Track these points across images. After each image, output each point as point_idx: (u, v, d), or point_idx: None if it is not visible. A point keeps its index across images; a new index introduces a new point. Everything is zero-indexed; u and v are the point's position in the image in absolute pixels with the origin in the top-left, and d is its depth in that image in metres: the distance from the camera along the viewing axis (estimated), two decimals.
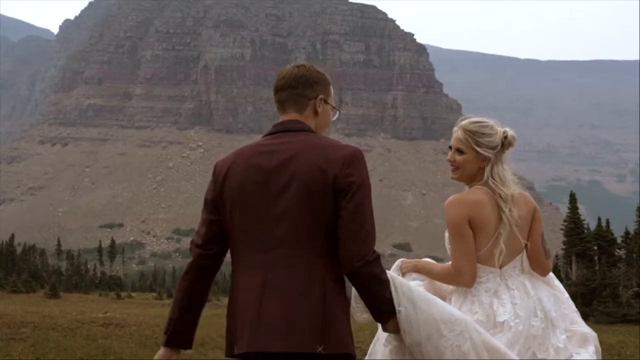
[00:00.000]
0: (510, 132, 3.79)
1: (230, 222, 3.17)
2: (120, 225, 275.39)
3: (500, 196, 3.65)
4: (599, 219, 43.29)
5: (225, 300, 22.52)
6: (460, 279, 3.59)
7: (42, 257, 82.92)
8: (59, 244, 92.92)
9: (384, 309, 3.16)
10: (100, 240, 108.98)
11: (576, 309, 3.80)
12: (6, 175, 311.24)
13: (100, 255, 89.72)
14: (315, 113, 3.27)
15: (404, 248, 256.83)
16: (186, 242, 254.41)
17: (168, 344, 3.26)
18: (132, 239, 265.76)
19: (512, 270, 3.67)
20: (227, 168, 3.20)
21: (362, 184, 3.06)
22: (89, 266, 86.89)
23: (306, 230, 3.06)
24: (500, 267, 3.66)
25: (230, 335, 3.16)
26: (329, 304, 3.04)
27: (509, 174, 3.73)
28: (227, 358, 3.19)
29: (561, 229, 45.37)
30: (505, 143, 3.76)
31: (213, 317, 29.40)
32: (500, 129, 3.79)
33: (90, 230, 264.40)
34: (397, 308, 3.17)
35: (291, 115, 3.25)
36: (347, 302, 3.16)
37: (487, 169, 3.72)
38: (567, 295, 3.82)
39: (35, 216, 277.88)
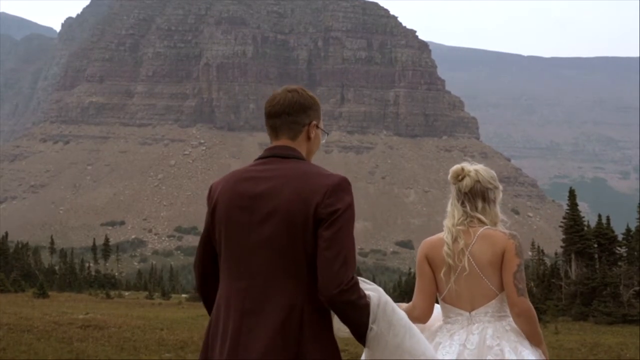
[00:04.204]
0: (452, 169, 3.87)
1: (218, 245, 3.21)
2: (122, 223, 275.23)
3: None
4: (599, 216, 42.37)
5: None
6: (413, 313, 3.64)
7: (35, 255, 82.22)
8: (52, 242, 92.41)
9: (362, 332, 3.12)
10: (94, 239, 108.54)
11: None
12: (8, 173, 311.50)
13: (95, 253, 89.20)
14: (308, 139, 3.27)
15: (406, 246, 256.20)
16: (188, 239, 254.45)
17: None
18: (133, 236, 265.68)
19: (482, 315, 3.64)
20: (218, 191, 3.22)
21: (344, 212, 3.04)
22: (87, 265, 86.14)
23: (286, 260, 3.06)
24: (472, 310, 3.64)
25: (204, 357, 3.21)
26: (304, 338, 3.04)
27: (459, 209, 3.74)
28: None
29: (560, 226, 44.57)
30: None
31: (198, 318, 28.69)
32: None
33: (92, 228, 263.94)
34: (370, 325, 3.10)
35: (283, 142, 3.24)
36: (327, 331, 3.14)
37: None
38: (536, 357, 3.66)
39: (37, 214, 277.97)
